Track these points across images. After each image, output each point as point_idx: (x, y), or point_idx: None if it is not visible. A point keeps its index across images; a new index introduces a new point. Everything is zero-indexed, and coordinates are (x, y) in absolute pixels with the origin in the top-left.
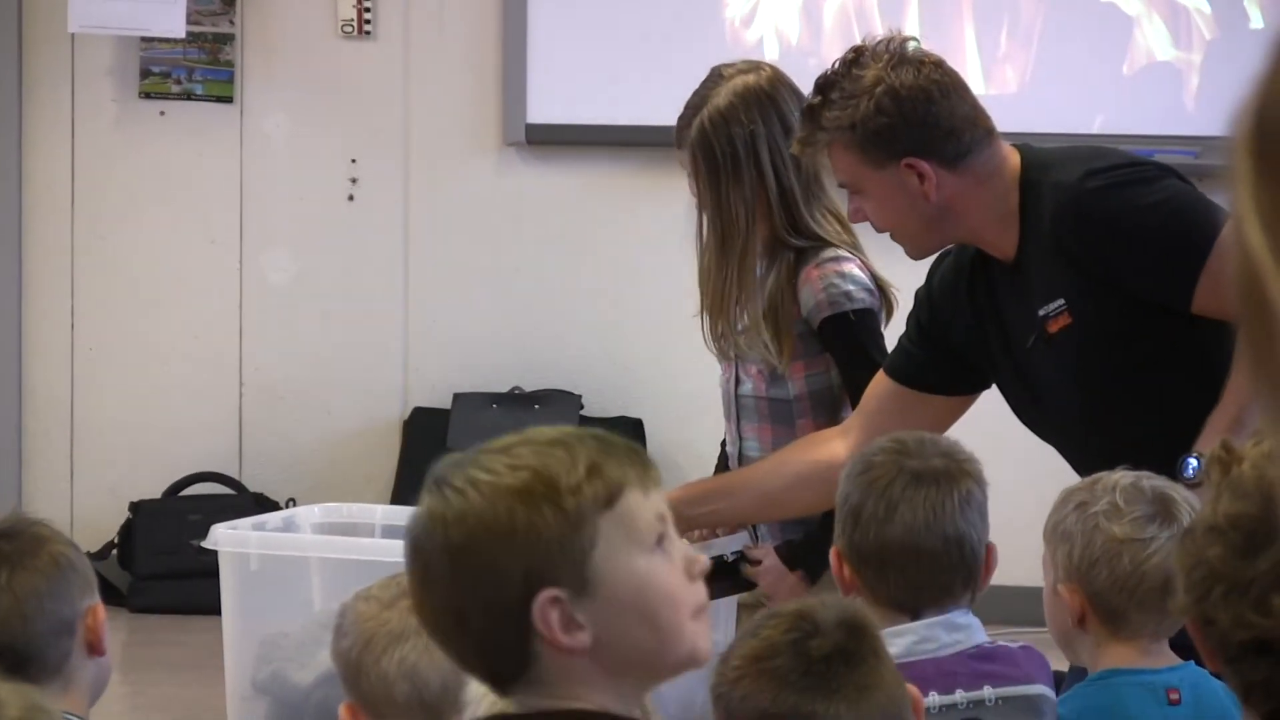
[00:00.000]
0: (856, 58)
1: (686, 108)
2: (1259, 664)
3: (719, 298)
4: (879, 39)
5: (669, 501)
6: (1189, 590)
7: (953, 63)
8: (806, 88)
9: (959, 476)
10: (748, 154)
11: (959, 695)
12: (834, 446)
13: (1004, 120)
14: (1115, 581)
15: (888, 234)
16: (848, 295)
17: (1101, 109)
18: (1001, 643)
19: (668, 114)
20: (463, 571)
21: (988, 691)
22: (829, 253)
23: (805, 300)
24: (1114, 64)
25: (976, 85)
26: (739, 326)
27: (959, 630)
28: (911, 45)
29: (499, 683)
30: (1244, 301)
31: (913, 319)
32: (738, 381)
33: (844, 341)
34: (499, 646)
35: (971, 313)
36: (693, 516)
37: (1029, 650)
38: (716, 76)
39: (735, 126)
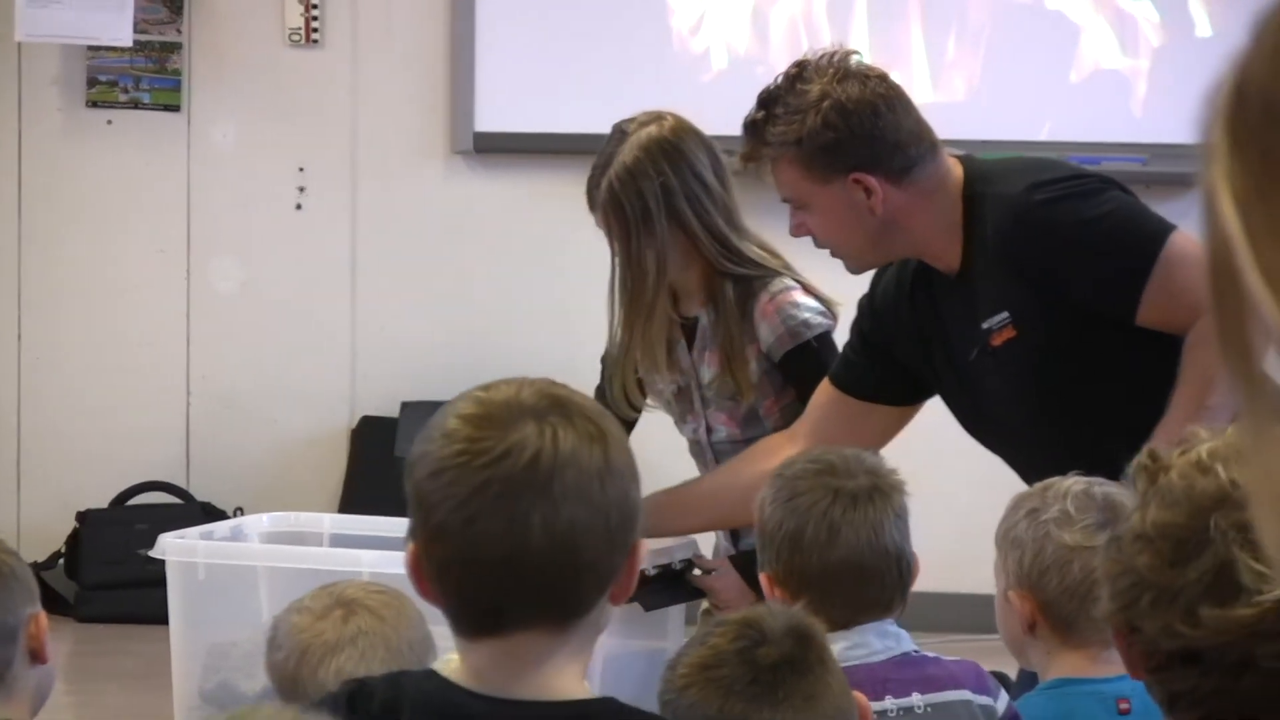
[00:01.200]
0: (800, 72)
1: (594, 168)
2: (1185, 674)
3: (622, 358)
4: (822, 53)
5: None
6: (1115, 598)
7: (900, 70)
8: (754, 97)
9: (890, 492)
10: (659, 206)
11: (889, 702)
12: (785, 456)
13: (952, 128)
14: (1066, 589)
15: (827, 249)
16: (806, 324)
17: (1049, 116)
18: (934, 655)
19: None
20: None
21: (916, 699)
22: (777, 284)
23: (765, 336)
24: (1061, 71)
25: (924, 93)
26: (657, 386)
27: (889, 637)
28: (855, 59)
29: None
30: (1213, 275)
31: (856, 328)
32: (709, 430)
33: (811, 368)
34: None
35: (914, 324)
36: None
37: (964, 664)
38: (620, 133)
39: (644, 181)
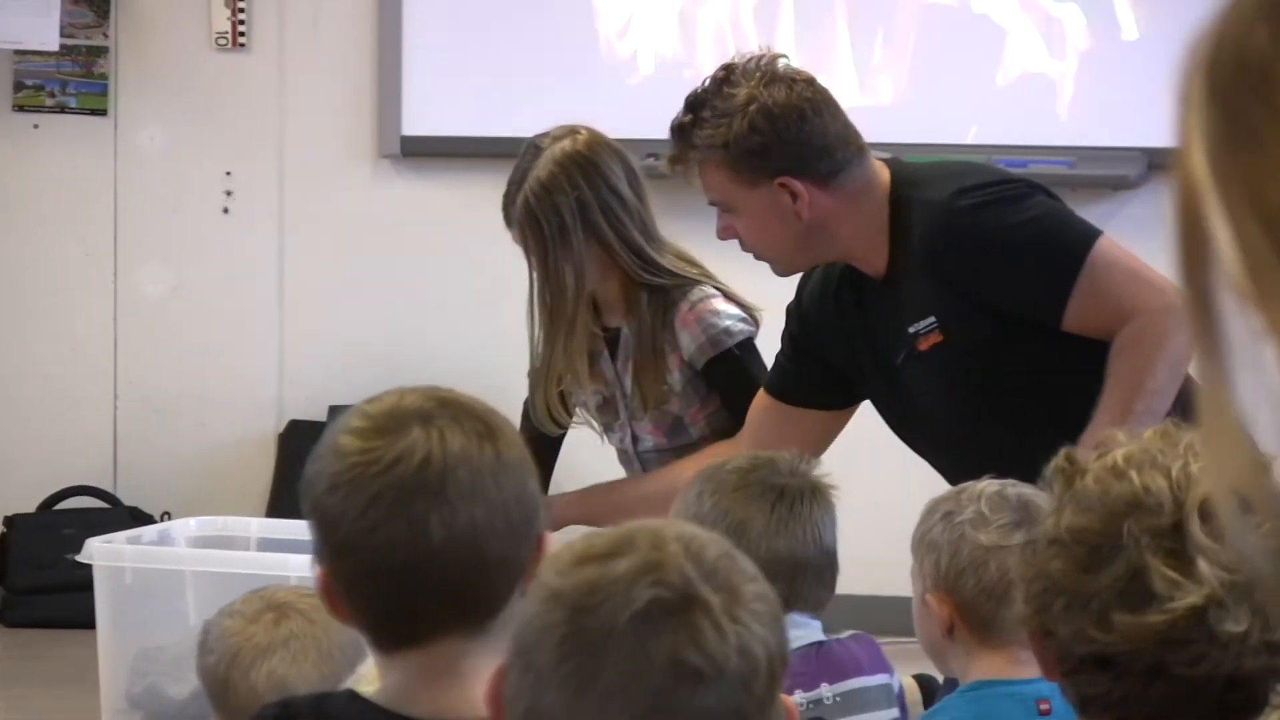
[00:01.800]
0: (727, 75)
1: (509, 185)
2: (1098, 678)
3: (544, 373)
4: (749, 56)
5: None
6: (1029, 601)
7: (827, 74)
8: (681, 100)
9: (826, 494)
10: (575, 220)
11: (799, 696)
12: None
13: (879, 131)
14: (983, 590)
15: (753, 253)
16: (727, 331)
17: (976, 119)
18: (836, 637)
19: (543, 126)
20: None
21: (825, 690)
22: (696, 293)
23: (686, 345)
24: (988, 75)
25: (851, 96)
26: (581, 399)
27: (799, 627)
28: (782, 62)
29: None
30: (1180, 222)
31: (786, 335)
32: (635, 440)
33: (734, 375)
34: None
35: (841, 326)
36: (564, 517)
37: (860, 639)
38: (534, 149)
39: (559, 195)
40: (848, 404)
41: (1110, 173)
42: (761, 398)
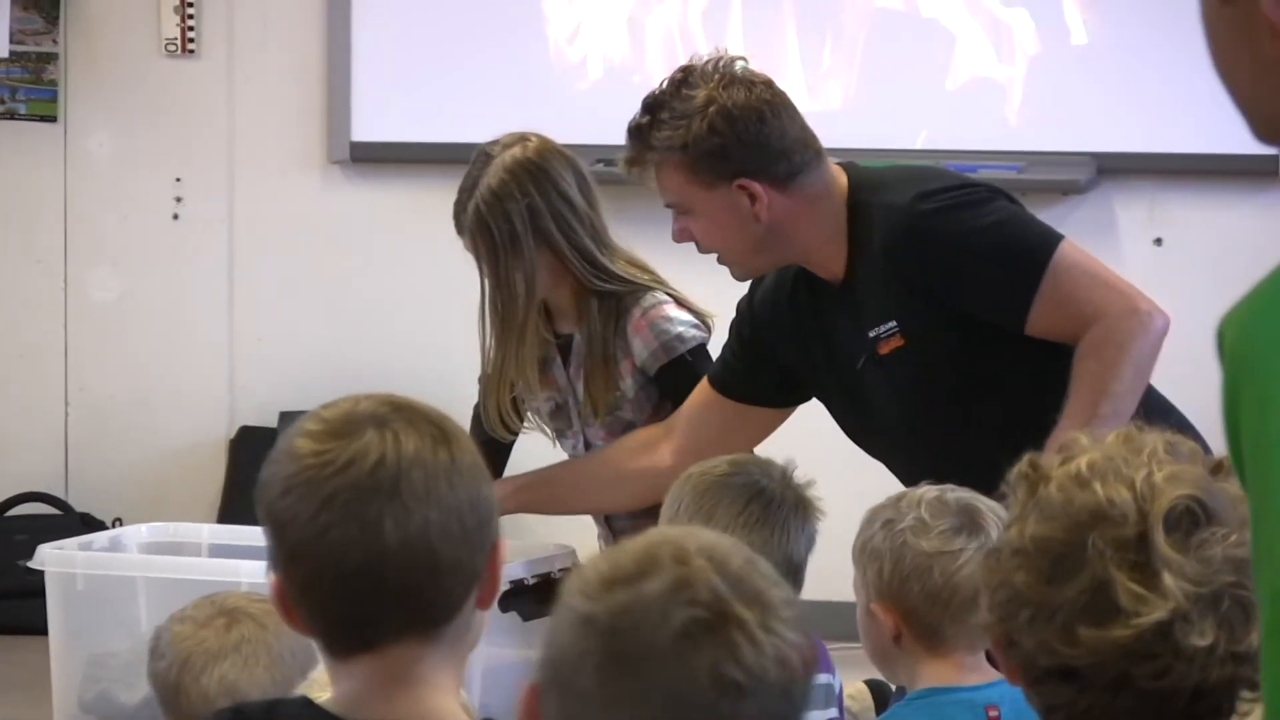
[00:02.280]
0: (685, 77)
1: (460, 192)
2: (1062, 689)
3: (496, 380)
4: (707, 58)
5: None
6: (993, 610)
7: (776, 79)
8: (632, 107)
9: (808, 512)
10: (526, 227)
11: None
12: (659, 453)
13: (828, 136)
14: (928, 596)
15: (713, 255)
16: (679, 338)
17: (925, 124)
18: None
19: (493, 132)
20: None
21: None
22: (649, 300)
23: (639, 351)
24: (937, 80)
25: (801, 101)
26: (533, 405)
27: None
28: (740, 65)
29: None
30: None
31: (734, 331)
32: (588, 446)
33: (686, 382)
34: None
35: (795, 331)
36: (503, 508)
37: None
38: (484, 157)
39: (510, 203)
40: (791, 403)
41: (1059, 177)
42: (704, 390)
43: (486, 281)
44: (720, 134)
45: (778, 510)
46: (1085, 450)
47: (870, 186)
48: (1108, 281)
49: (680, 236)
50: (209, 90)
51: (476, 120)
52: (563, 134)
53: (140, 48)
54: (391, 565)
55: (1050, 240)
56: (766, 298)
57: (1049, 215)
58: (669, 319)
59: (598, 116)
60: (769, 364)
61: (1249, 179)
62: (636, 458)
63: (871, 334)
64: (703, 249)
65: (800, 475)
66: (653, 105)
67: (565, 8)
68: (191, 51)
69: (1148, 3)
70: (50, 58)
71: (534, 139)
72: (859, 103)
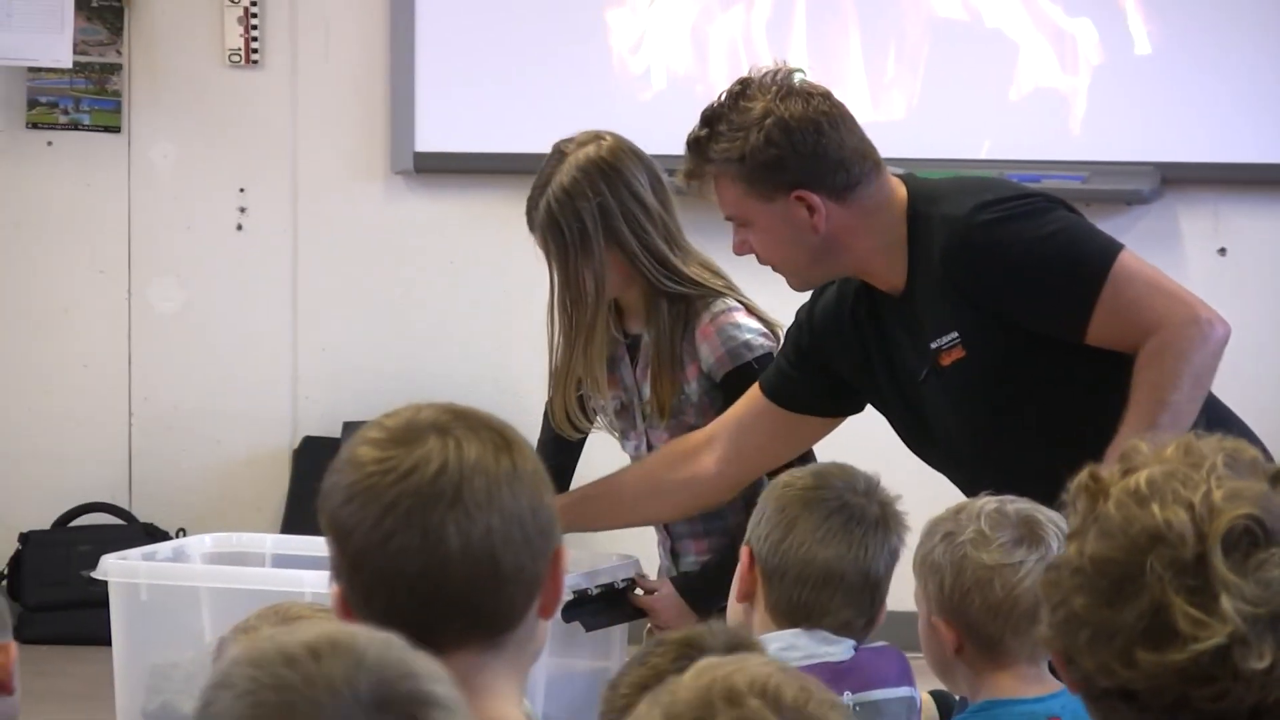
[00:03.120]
0: (743, 90)
1: (533, 189)
2: (1120, 708)
3: (563, 378)
4: (765, 70)
5: None
6: (1053, 627)
7: (840, 89)
8: (695, 116)
9: (892, 527)
10: (597, 226)
11: None
12: (702, 462)
13: (891, 146)
14: (989, 609)
15: (770, 266)
16: (747, 345)
17: (988, 134)
18: (864, 647)
19: (555, 141)
20: None
21: (847, 697)
22: (718, 305)
23: (705, 356)
24: (1000, 90)
25: (864, 111)
26: (599, 403)
27: (830, 644)
28: (798, 77)
29: None
30: None
31: (791, 340)
32: (650, 448)
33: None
34: None
35: (857, 343)
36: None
37: (888, 651)
38: (559, 154)
39: (581, 201)
40: (844, 413)
41: (1123, 187)
42: (755, 398)
43: (556, 279)
44: (777, 145)
45: (858, 526)
46: (1145, 462)
47: (929, 198)
48: (1168, 290)
49: (740, 249)
50: (272, 101)
51: (539, 130)
52: None
53: (204, 58)
54: (454, 572)
55: (1110, 249)
56: (828, 309)
57: (1112, 225)
58: (737, 325)
59: (661, 127)
60: (825, 374)
61: None
62: (678, 468)
63: (933, 345)
64: (762, 261)
65: (887, 487)
66: (710, 118)
67: (628, 18)
68: (255, 62)
69: (1211, 13)
70: (114, 69)
71: (609, 138)
72: (922, 113)
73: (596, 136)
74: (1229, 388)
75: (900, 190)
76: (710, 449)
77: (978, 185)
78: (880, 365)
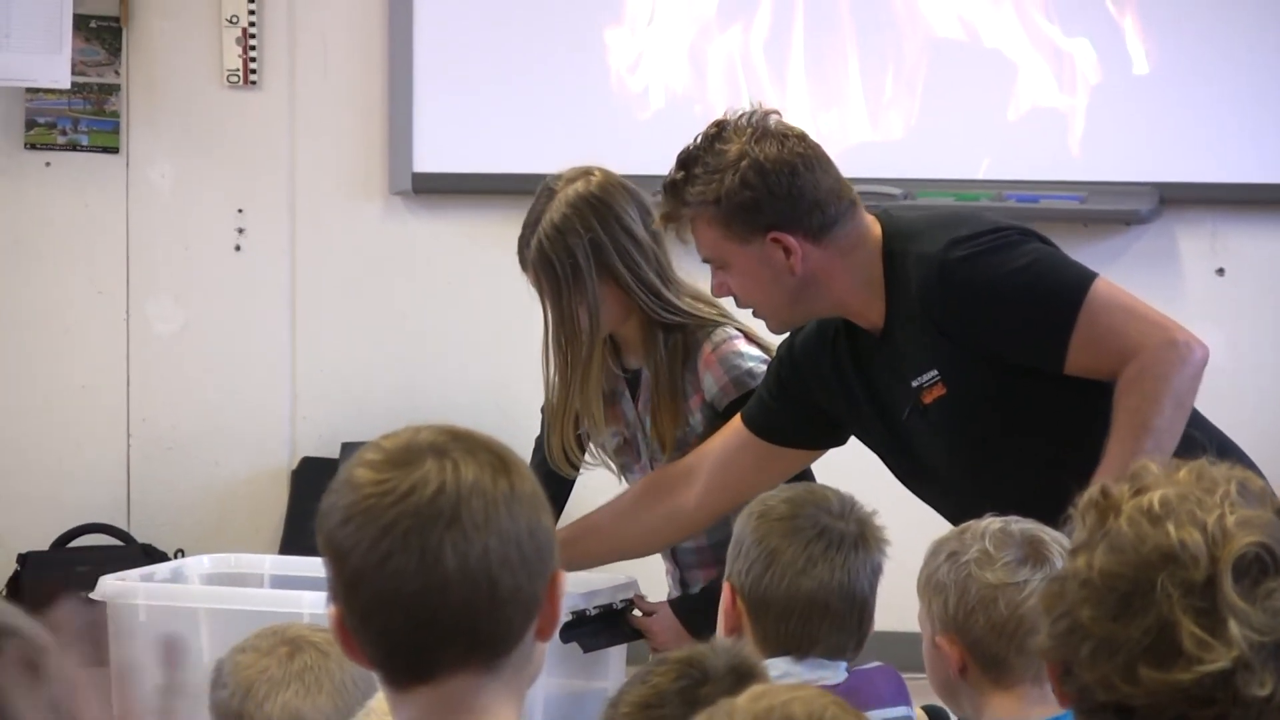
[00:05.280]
0: (718, 132)
1: (524, 227)
2: None
3: (560, 416)
4: (740, 112)
5: None
6: (1053, 637)
7: (838, 109)
8: (692, 135)
9: (873, 545)
10: (590, 262)
11: None
12: (682, 495)
13: (890, 166)
14: (993, 628)
15: (749, 309)
16: (750, 373)
17: (987, 154)
18: (860, 667)
19: (554, 162)
20: None
21: None
22: (719, 334)
23: (709, 386)
24: (999, 110)
25: (862, 131)
26: (599, 439)
27: (823, 669)
28: (773, 119)
29: None
30: None
31: (773, 372)
32: None
33: None
34: None
35: (838, 382)
36: None
37: (884, 671)
38: (548, 191)
39: (573, 238)
40: (826, 446)
41: (1122, 207)
42: (736, 429)
43: (550, 317)
44: (753, 187)
45: (838, 550)
46: (1158, 482)
47: (904, 235)
48: (1144, 315)
49: (719, 291)
50: (271, 121)
51: (538, 150)
52: (624, 164)
53: (202, 79)
54: (451, 594)
55: (1084, 279)
56: (809, 342)
57: (1111, 245)
58: (740, 354)
59: (659, 146)
60: (808, 407)
61: None
62: (657, 503)
63: (914, 383)
64: (740, 303)
65: (863, 505)
66: (686, 160)
67: (627, 38)
68: (253, 83)
69: (1209, 33)
70: (112, 89)
71: (597, 173)
72: (920, 133)
73: (585, 172)
74: (1227, 408)
75: (875, 228)
76: (690, 481)
77: (951, 220)
78: (865, 403)
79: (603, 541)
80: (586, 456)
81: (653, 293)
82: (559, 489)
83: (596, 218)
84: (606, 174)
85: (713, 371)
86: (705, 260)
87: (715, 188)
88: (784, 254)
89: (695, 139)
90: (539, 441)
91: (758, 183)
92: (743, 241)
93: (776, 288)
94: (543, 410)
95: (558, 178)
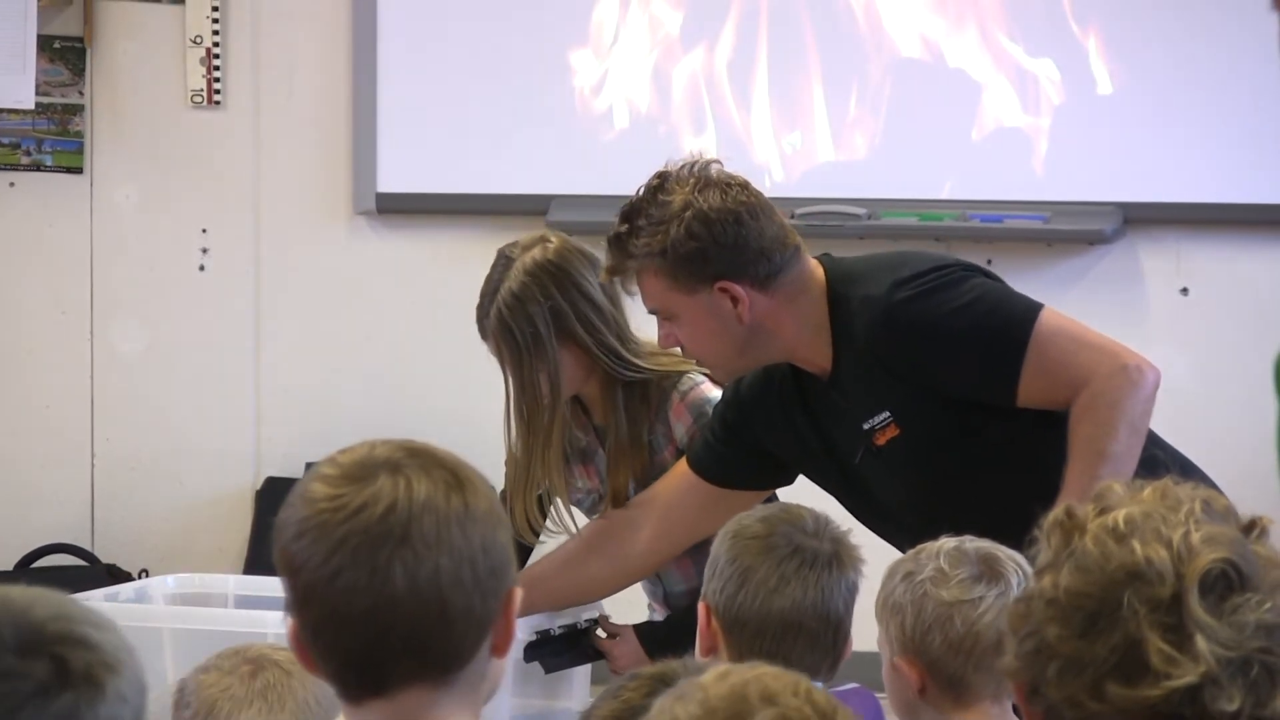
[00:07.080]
0: (661, 183)
1: (482, 296)
2: None
3: (523, 485)
4: (682, 163)
5: None
6: (1020, 657)
7: (802, 129)
8: (658, 157)
9: (847, 564)
10: (550, 329)
11: None
12: (628, 541)
13: (853, 186)
14: (950, 646)
15: (696, 360)
16: None
17: (951, 174)
18: (834, 689)
19: (519, 183)
20: None
21: None
22: (685, 383)
23: (680, 436)
24: (962, 130)
25: (826, 152)
26: (574, 496)
27: None
28: (714, 168)
29: None
30: None
31: (719, 416)
32: None
33: None
34: None
35: (787, 426)
36: None
37: (858, 693)
38: (504, 260)
39: (533, 305)
40: (774, 486)
41: (1086, 227)
42: (682, 474)
43: (511, 385)
44: (698, 238)
45: (811, 569)
46: (1122, 502)
47: (847, 279)
48: (1093, 343)
49: (665, 342)
50: (235, 142)
51: (503, 170)
52: (588, 184)
53: (166, 99)
54: (401, 611)
55: (1030, 311)
56: (756, 389)
57: (1075, 265)
58: (707, 399)
59: (624, 167)
60: (755, 450)
61: (1275, 228)
62: (601, 550)
63: (865, 426)
64: (688, 354)
65: (838, 524)
66: (630, 213)
67: (590, 59)
68: (217, 103)
69: (1173, 54)
70: (76, 109)
71: (554, 239)
72: (884, 153)
73: (542, 239)
74: (1192, 428)
75: (819, 272)
76: (636, 527)
77: (894, 261)
78: (815, 445)
79: (549, 593)
80: (548, 523)
81: (613, 354)
82: (521, 556)
83: (555, 285)
84: (563, 240)
85: (683, 421)
86: (651, 312)
87: (660, 239)
88: (731, 303)
89: (638, 191)
90: (501, 496)
91: (703, 233)
92: (689, 292)
93: (725, 337)
94: (506, 478)
95: (514, 245)
